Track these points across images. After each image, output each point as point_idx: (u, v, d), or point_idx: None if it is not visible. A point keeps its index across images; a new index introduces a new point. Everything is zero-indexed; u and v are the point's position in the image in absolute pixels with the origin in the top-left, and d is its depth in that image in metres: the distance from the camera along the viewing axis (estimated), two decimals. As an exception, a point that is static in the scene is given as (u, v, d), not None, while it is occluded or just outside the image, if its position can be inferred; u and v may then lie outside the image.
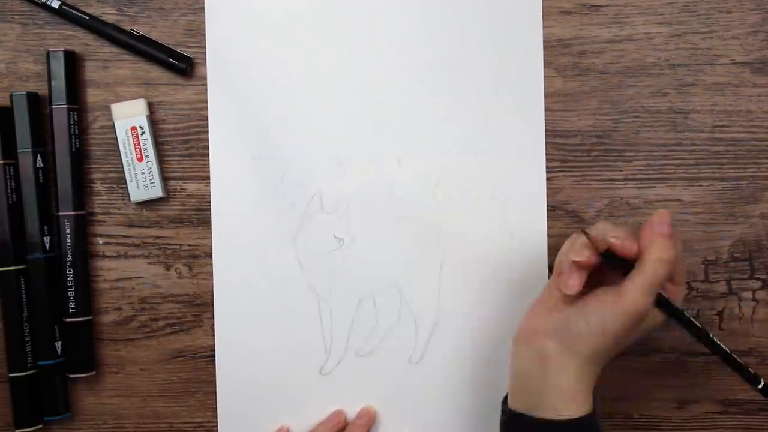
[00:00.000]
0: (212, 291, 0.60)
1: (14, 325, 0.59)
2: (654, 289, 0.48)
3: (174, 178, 0.60)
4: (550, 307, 0.51)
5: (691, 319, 0.50)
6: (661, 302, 0.49)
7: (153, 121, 0.60)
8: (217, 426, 0.60)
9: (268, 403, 0.60)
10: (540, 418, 0.50)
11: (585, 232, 0.50)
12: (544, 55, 0.60)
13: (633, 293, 0.48)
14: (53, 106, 0.58)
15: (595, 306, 0.49)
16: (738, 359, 0.50)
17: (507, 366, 0.60)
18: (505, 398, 0.53)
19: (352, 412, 0.60)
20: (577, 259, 0.49)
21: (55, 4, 0.59)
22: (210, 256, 0.60)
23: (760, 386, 0.50)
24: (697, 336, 0.50)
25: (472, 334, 0.60)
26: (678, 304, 0.50)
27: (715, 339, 0.50)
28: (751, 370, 0.50)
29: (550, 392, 0.50)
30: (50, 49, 0.58)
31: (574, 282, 0.50)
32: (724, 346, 0.50)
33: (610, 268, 0.50)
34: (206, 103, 0.60)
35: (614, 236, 0.49)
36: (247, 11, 0.60)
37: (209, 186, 0.60)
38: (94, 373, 0.60)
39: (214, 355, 0.60)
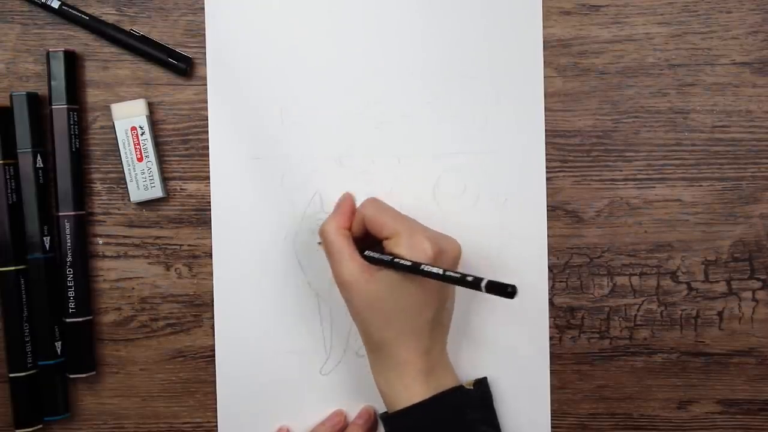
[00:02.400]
0: (212, 291, 0.60)
1: (14, 325, 0.59)
2: (339, 258, 0.52)
3: (174, 178, 0.60)
4: None
5: (395, 260, 0.51)
6: (369, 259, 0.52)
7: (153, 121, 0.60)
8: (217, 426, 0.60)
9: (268, 403, 0.60)
10: (388, 414, 0.54)
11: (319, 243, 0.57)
12: (544, 55, 0.60)
13: (333, 271, 0.53)
14: (53, 106, 0.58)
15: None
16: (453, 273, 0.49)
17: (505, 367, 0.60)
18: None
19: (352, 412, 0.60)
20: None
21: (55, 4, 0.59)
22: (210, 256, 0.60)
23: (483, 284, 0.47)
24: (413, 271, 0.50)
25: (472, 334, 0.60)
26: (410, 251, 0.50)
27: (425, 267, 0.49)
28: (470, 276, 0.48)
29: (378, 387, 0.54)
30: (50, 49, 0.58)
31: None
32: (435, 270, 0.49)
33: None
34: (206, 103, 0.60)
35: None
36: (247, 11, 0.60)
37: (209, 186, 0.60)
38: (94, 373, 0.60)
39: (214, 355, 0.60)
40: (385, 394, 0.53)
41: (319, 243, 0.58)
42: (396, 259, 0.51)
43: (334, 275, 0.53)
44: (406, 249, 0.51)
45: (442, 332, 0.55)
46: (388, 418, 0.53)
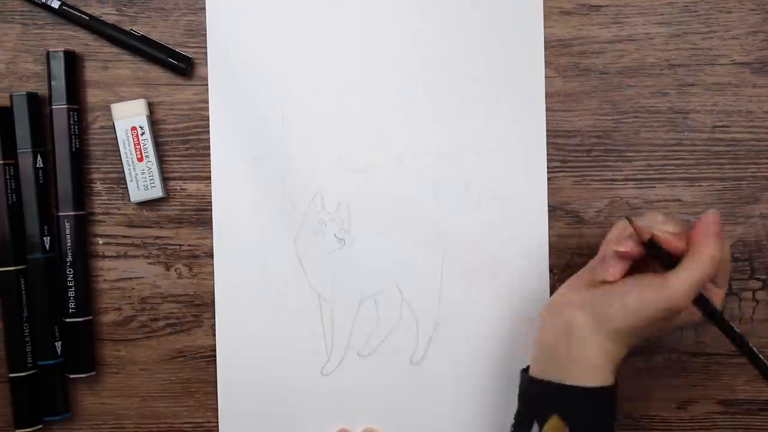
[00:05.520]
0: (212, 291, 0.60)
1: (14, 325, 0.58)
2: (698, 287, 0.48)
3: (174, 178, 0.60)
4: (587, 282, 0.51)
5: (730, 323, 0.49)
6: (700, 301, 0.49)
7: (153, 121, 0.60)
8: (217, 426, 0.60)
9: (269, 403, 0.60)
10: (559, 383, 0.50)
11: (630, 221, 0.50)
12: (545, 55, 0.60)
13: (678, 287, 0.47)
14: (53, 106, 0.58)
15: (636, 291, 0.49)
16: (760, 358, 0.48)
17: (506, 367, 0.60)
18: (525, 369, 0.53)
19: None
20: (621, 249, 0.50)
21: (55, 4, 0.59)
22: (210, 256, 0.60)
23: None
24: (733, 340, 0.49)
25: (473, 334, 0.60)
26: (718, 306, 0.50)
27: (754, 349, 0.48)
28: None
29: (572, 364, 0.50)
30: (50, 49, 0.58)
31: (615, 270, 0.50)
32: (762, 357, 0.48)
33: (654, 259, 0.50)
34: (206, 103, 0.60)
35: (663, 229, 0.49)
36: (248, 11, 0.60)
37: (209, 186, 0.60)
38: (94, 373, 0.60)
39: (214, 355, 0.60)
40: (589, 367, 0.50)
41: (627, 218, 0.51)
42: (731, 323, 0.49)
43: (677, 293, 0.48)
44: (718, 298, 0.51)
45: None
46: (561, 387, 0.50)
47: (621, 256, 0.50)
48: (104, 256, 0.60)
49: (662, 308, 0.48)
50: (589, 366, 0.49)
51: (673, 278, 0.48)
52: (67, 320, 0.59)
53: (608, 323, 0.49)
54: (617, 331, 0.49)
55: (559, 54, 0.60)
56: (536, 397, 0.52)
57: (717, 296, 0.51)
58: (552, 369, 0.51)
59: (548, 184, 0.60)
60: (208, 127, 0.60)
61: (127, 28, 0.60)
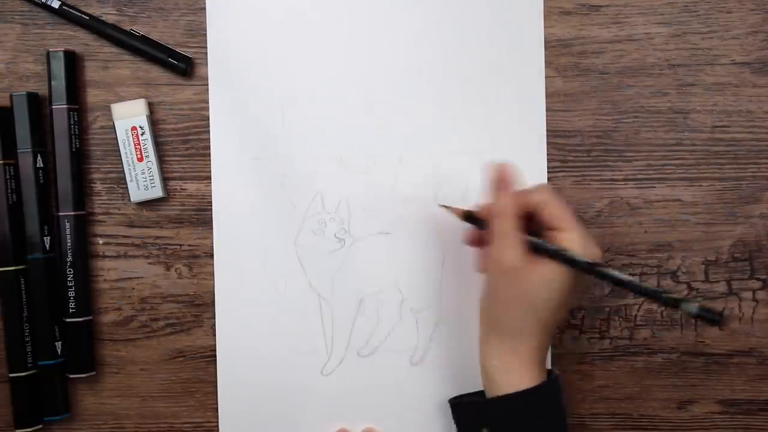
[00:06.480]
0: (212, 291, 0.60)
1: (14, 325, 0.58)
2: (507, 241, 0.49)
3: (174, 178, 0.60)
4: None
5: (575, 257, 0.48)
6: (535, 246, 0.49)
7: (153, 121, 0.60)
8: (217, 426, 0.60)
9: (269, 403, 0.60)
10: (482, 399, 0.52)
11: (442, 206, 0.56)
12: (545, 55, 0.60)
13: (493, 252, 0.50)
14: (53, 106, 0.58)
15: (487, 278, 0.52)
16: (649, 286, 0.47)
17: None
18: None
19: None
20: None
21: (55, 4, 0.59)
22: (210, 256, 0.60)
23: (692, 309, 0.44)
24: (589, 272, 0.48)
25: (474, 334, 0.60)
26: (584, 249, 0.48)
27: (610, 271, 0.47)
28: (669, 294, 0.47)
29: (483, 374, 0.53)
30: (50, 49, 0.58)
31: (473, 259, 0.54)
32: (623, 276, 0.47)
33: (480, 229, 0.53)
34: (206, 103, 0.60)
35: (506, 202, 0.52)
36: (248, 11, 0.60)
37: (209, 186, 0.60)
38: (94, 373, 0.60)
39: (214, 355, 0.60)
40: (495, 376, 0.51)
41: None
42: (572, 254, 0.48)
43: (493, 256, 0.50)
44: (580, 247, 0.48)
45: (558, 328, 0.53)
46: (499, 399, 0.51)
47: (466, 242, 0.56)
48: (104, 256, 0.60)
49: (499, 280, 0.50)
50: (497, 371, 0.51)
51: (491, 248, 0.51)
52: (67, 320, 0.59)
53: (490, 323, 0.52)
54: (498, 325, 0.51)
55: (559, 54, 0.60)
56: (462, 417, 0.54)
57: (568, 240, 0.49)
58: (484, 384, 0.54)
59: (548, 184, 0.60)
60: (208, 127, 0.60)
61: (127, 28, 0.60)
